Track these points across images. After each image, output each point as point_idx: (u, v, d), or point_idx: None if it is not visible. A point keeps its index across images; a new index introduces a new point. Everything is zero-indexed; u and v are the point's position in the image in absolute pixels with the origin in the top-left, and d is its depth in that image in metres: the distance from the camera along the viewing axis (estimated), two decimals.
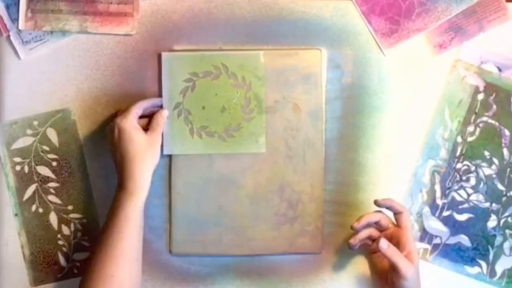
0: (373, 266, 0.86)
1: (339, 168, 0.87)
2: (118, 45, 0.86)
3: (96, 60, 0.86)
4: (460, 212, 0.88)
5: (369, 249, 0.86)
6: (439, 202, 0.88)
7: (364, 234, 0.82)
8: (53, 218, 0.86)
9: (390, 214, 0.82)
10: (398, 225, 0.81)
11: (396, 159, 0.88)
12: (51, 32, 0.85)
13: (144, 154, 0.78)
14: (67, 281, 0.86)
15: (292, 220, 0.87)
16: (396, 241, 0.80)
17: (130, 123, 0.78)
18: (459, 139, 0.88)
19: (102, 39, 0.86)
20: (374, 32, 0.87)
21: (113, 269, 0.74)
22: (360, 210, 0.87)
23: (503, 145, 0.88)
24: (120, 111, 0.82)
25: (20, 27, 0.83)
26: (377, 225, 0.82)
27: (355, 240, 0.81)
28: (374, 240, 0.82)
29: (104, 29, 0.85)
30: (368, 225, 0.82)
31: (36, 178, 0.86)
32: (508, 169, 0.88)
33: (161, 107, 0.84)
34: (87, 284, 0.74)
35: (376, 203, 0.80)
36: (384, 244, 0.77)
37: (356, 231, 0.81)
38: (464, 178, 0.88)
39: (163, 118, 0.83)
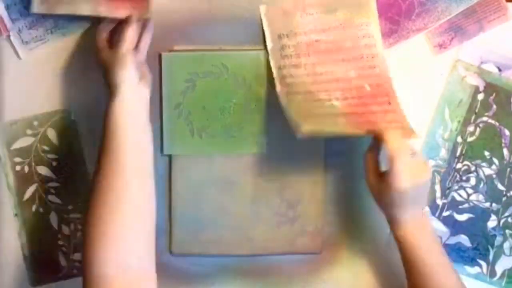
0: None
1: (339, 168, 0.87)
2: None
3: (96, 60, 0.86)
4: (460, 212, 0.88)
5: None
6: (439, 202, 0.88)
7: None
8: (53, 218, 0.86)
9: None
10: None
11: None
12: (51, 32, 0.85)
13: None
14: (67, 281, 0.86)
15: (292, 220, 0.87)
16: None
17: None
18: (459, 139, 0.88)
19: None
20: None
21: (116, 181, 0.70)
22: (360, 210, 0.87)
23: (503, 145, 0.88)
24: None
25: (33, 11, 0.80)
26: None
27: None
28: None
29: (118, 12, 0.79)
30: None
31: (36, 178, 0.86)
32: (508, 169, 0.88)
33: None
34: (94, 203, 0.70)
35: None
36: None
37: None
38: (464, 178, 0.88)
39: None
